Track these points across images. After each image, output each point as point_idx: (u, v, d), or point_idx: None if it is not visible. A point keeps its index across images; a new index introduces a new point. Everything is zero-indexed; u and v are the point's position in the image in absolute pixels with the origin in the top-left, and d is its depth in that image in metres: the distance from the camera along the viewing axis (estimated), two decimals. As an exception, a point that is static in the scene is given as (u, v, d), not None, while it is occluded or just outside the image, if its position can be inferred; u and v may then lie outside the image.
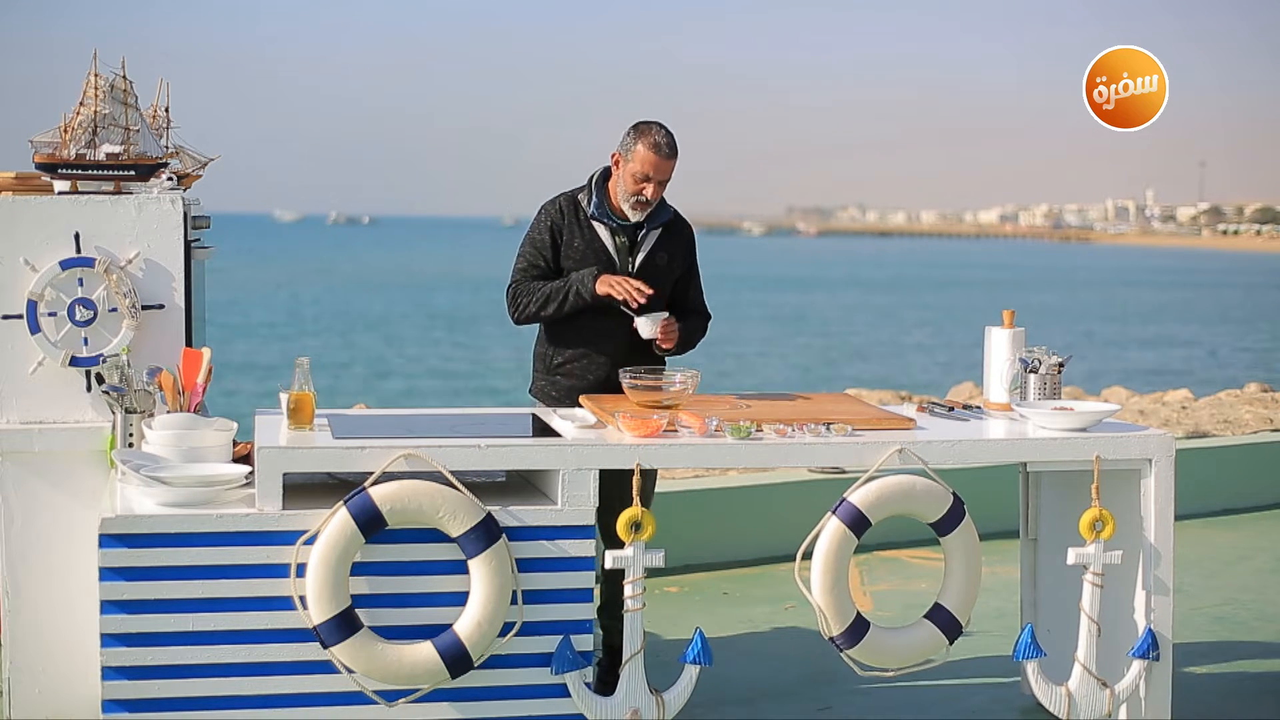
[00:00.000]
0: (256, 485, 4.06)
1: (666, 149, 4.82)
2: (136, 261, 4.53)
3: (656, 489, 6.88)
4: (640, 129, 4.84)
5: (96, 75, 4.59)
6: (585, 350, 4.93)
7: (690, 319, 5.05)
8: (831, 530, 4.32)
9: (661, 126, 4.85)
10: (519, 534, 4.16)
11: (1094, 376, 25.08)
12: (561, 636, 4.20)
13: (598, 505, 4.22)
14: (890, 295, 62.41)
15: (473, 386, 29.57)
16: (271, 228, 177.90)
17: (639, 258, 4.93)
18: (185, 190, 4.73)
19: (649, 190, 4.83)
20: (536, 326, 5.04)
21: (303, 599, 4.02)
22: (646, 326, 4.82)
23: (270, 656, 4.05)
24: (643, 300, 4.80)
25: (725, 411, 4.58)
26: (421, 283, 64.80)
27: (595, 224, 4.92)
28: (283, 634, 4.04)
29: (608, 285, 4.79)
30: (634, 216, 4.89)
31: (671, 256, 4.98)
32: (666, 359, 5.03)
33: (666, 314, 4.87)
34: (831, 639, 4.36)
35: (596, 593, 4.42)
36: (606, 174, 4.95)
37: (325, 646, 4.02)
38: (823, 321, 48.06)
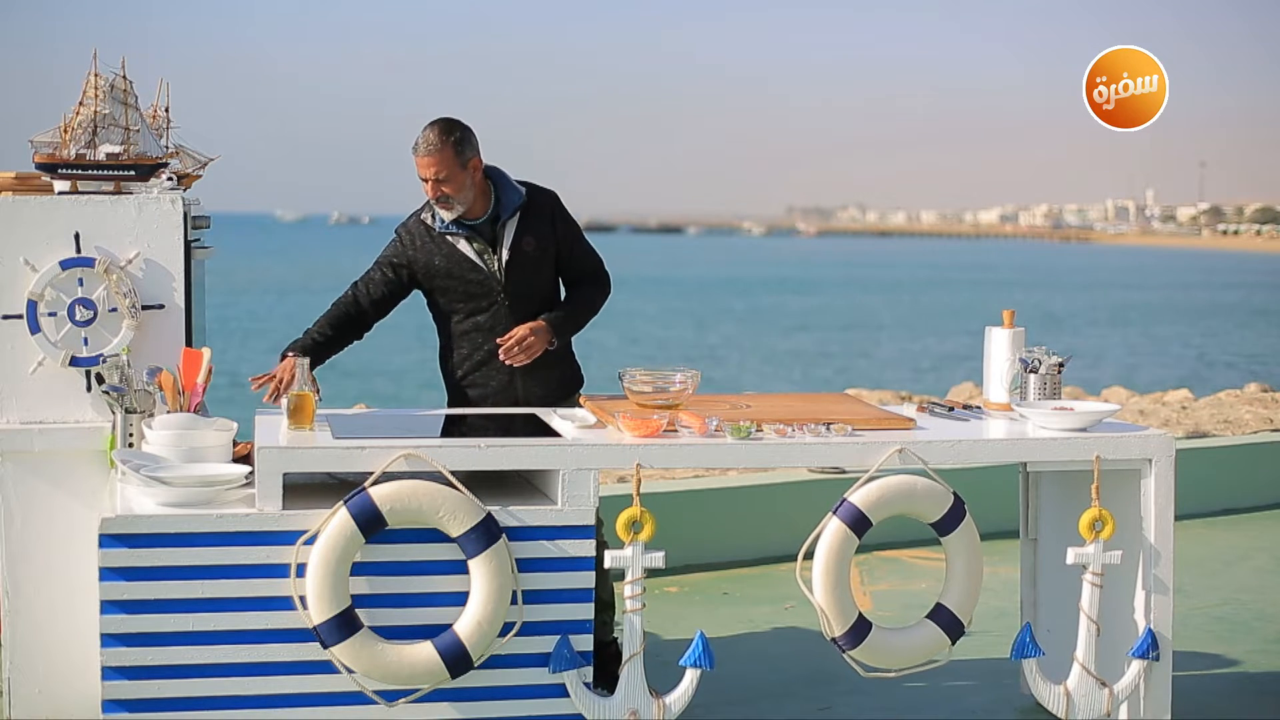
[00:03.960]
0: (256, 485, 4.06)
1: (423, 147, 4.69)
2: (136, 261, 4.53)
3: (657, 490, 6.90)
4: None
5: (96, 75, 4.59)
6: (480, 359, 4.88)
7: (582, 287, 4.97)
8: (832, 531, 4.32)
9: (432, 123, 4.72)
10: (519, 534, 4.16)
11: (1094, 376, 25.09)
12: (560, 636, 4.20)
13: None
14: (890, 295, 62.41)
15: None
16: (273, 227, 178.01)
17: (503, 255, 4.83)
18: (185, 190, 4.73)
19: (429, 190, 4.73)
20: (435, 343, 4.99)
21: (303, 599, 4.02)
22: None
23: (270, 656, 4.05)
24: (274, 393, 4.54)
25: (725, 411, 4.58)
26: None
27: (448, 238, 4.84)
28: (283, 634, 4.04)
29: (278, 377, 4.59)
30: (446, 216, 4.78)
31: (539, 238, 4.87)
32: (570, 344, 5.00)
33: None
34: (834, 640, 4.36)
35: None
36: None
37: (325, 646, 4.02)
38: (823, 321, 48.06)
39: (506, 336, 4.76)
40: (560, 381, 4.94)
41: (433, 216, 4.85)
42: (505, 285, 4.83)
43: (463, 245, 4.83)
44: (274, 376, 4.58)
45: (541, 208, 4.91)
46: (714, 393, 5.10)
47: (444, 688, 4.13)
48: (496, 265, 4.83)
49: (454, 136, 4.71)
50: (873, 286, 69.21)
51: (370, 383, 28.97)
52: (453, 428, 4.61)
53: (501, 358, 4.77)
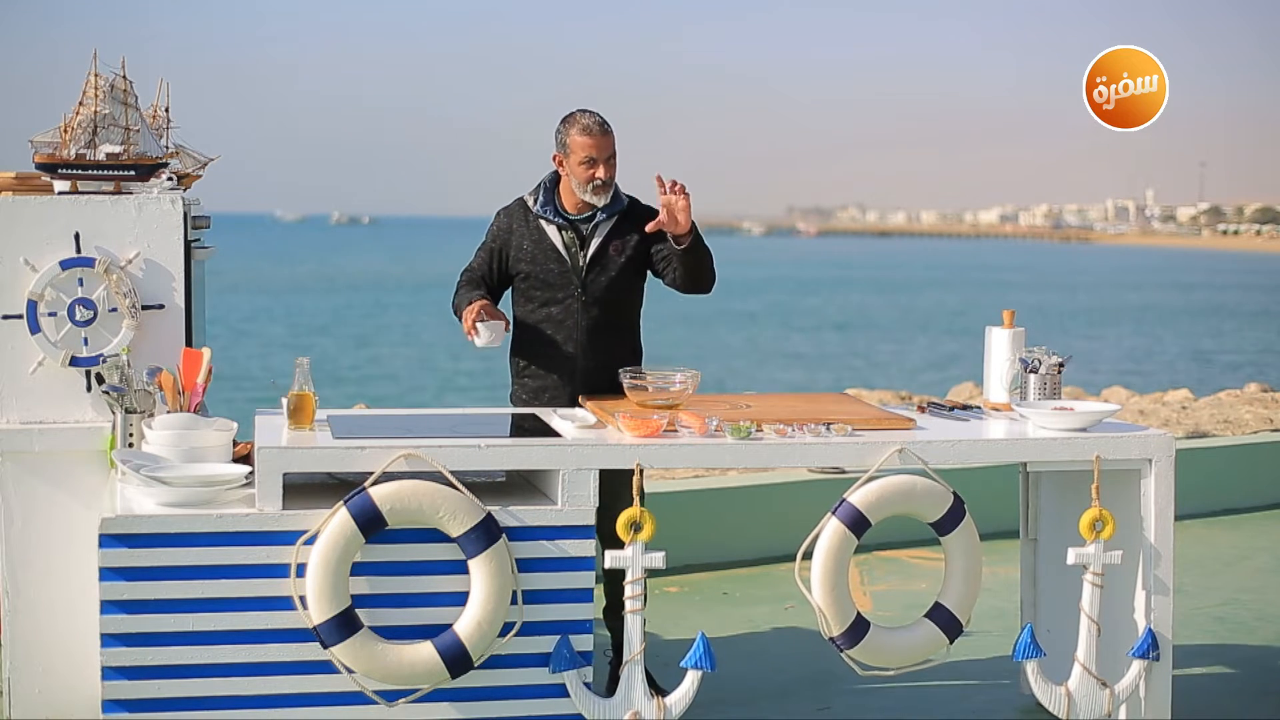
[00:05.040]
0: (256, 485, 4.06)
1: (598, 128, 4.81)
2: (136, 261, 4.53)
3: (657, 490, 6.90)
4: (567, 120, 4.85)
5: (96, 75, 4.59)
6: (545, 350, 4.92)
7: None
8: (831, 531, 4.32)
9: (586, 110, 4.86)
10: (519, 534, 4.16)
11: (1094, 376, 25.08)
12: (560, 636, 4.20)
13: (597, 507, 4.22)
14: (890, 295, 62.41)
15: (466, 386, 29.58)
16: (273, 227, 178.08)
17: (589, 251, 4.88)
18: (185, 190, 4.73)
19: (600, 171, 4.81)
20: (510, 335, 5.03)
21: (303, 599, 4.02)
22: (483, 335, 4.72)
23: (270, 656, 4.05)
24: (473, 331, 4.72)
25: (725, 411, 4.58)
26: (420, 283, 64.86)
27: (543, 223, 4.90)
28: (283, 634, 4.05)
29: (465, 318, 4.76)
30: (599, 201, 4.84)
31: (626, 245, 4.91)
32: (637, 352, 5.00)
33: (500, 323, 4.77)
34: (831, 639, 4.36)
35: (597, 594, 4.41)
36: (557, 175, 4.94)
37: (325, 646, 4.02)
38: (822, 322, 48.05)
39: (676, 186, 4.73)
40: (618, 384, 4.94)
41: (535, 200, 4.92)
42: (583, 282, 4.87)
43: (553, 232, 4.90)
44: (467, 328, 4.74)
45: (639, 218, 4.95)
46: (714, 393, 5.10)
47: (444, 688, 4.13)
48: (581, 261, 4.88)
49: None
50: (873, 286, 69.18)
51: (366, 386, 28.98)
52: (453, 428, 4.61)
53: (668, 189, 4.73)
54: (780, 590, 6.44)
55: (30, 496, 4.52)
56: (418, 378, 31.30)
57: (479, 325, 4.73)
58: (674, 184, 4.75)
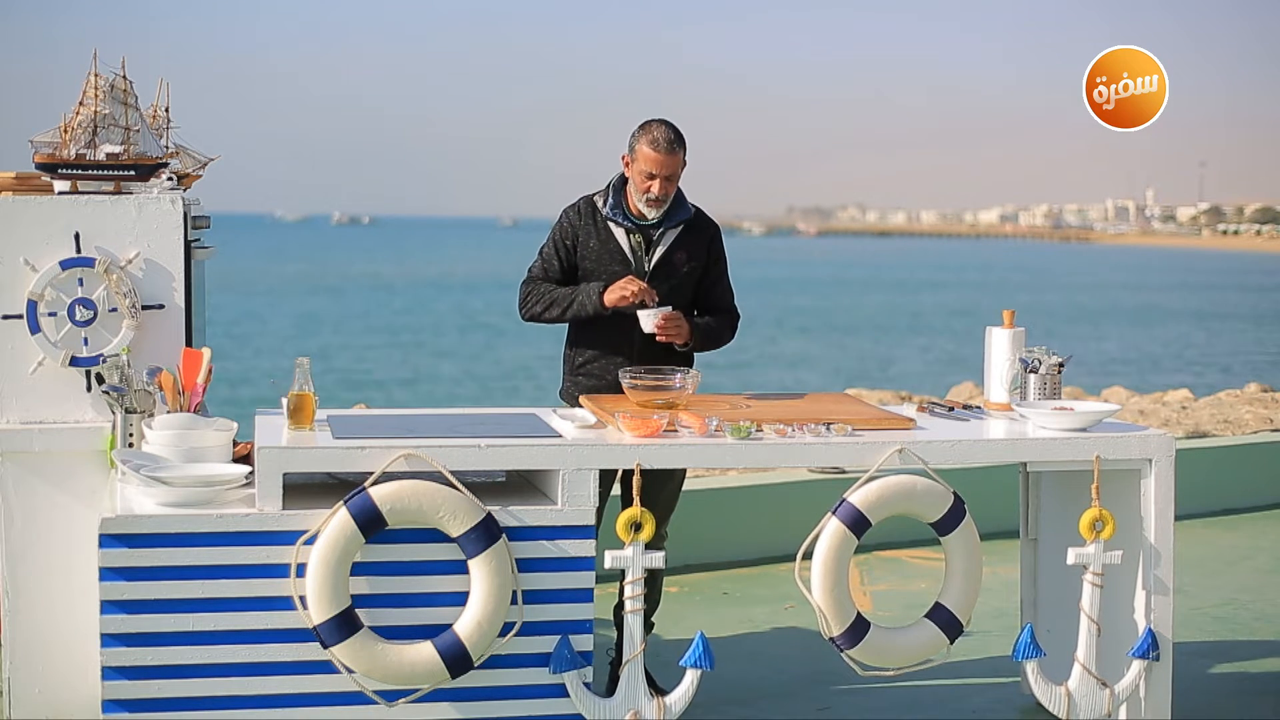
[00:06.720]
0: (256, 485, 4.06)
1: (665, 144, 4.80)
2: (136, 261, 4.53)
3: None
4: (642, 127, 4.85)
5: (96, 75, 4.59)
6: (604, 350, 4.93)
7: (716, 316, 5.04)
8: (831, 531, 4.32)
9: (664, 123, 4.85)
10: (519, 534, 4.16)
11: (1094, 377, 25.08)
12: (560, 636, 4.20)
13: (602, 506, 4.22)
14: (890, 295, 62.39)
15: (466, 386, 29.58)
16: (273, 227, 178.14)
17: (655, 257, 4.91)
18: (185, 190, 4.73)
19: (655, 187, 4.81)
20: (565, 329, 5.05)
21: (303, 599, 4.02)
22: (647, 320, 4.80)
23: (270, 656, 4.05)
24: (649, 298, 4.79)
25: (725, 411, 4.58)
26: (419, 283, 64.85)
27: (611, 224, 4.92)
28: (283, 634, 4.05)
29: (616, 295, 4.78)
30: (650, 215, 4.87)
31: (690, 255, 4.96)
32: (693, 356, 5.02)
33: (668, 307, 4.85)
34: (832, 639, 4.37)
35: (597, 594, 4.41)
36: (624, 178, 4.96)
37: (325, 646, 4.02)
38: (822, 322, 48.04)
39: (669, 315, 4.78)
40: None
41: (604, 201, 4.93)
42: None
43: (621, 235, 4.92)
44: (635, 292, 4.75)
45: (704, 230, 5.00)
46: (714, 393, 5.10)
47: (444, 688, 4.13)
48: (646, 265, 4.90)
49: (685, 145, 4.88)
50: (873, 286, 69.15)
51: (366, 386, 28.98)
52: (453, 428, 4.61)
53: (658, 331, 4.79)
54: (780, 590, 6.44)
55: (30, 496, 4.52)
56: (418, 378, 31.30)
57: (641, 314, 4.77)
58: (666, 317, 4.79)
